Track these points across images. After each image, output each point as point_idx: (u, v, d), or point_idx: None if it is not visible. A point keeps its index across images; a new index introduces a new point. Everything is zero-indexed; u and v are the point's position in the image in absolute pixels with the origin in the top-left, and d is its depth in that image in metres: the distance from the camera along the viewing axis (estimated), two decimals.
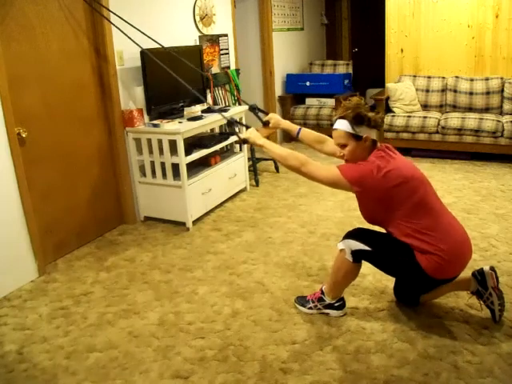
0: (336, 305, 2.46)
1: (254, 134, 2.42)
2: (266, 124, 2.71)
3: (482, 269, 2.32)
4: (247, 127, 2.59)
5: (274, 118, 2.70)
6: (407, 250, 2.17)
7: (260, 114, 2.83)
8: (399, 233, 2.18)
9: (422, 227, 2.13)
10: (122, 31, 3.41)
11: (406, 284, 2.48)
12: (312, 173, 2.22)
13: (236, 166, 4.34)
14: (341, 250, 2.31)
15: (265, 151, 2.38)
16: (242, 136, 2.49)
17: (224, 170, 4.15)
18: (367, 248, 2.23)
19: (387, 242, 2.25)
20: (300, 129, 2.64)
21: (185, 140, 3.62)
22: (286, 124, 2.70)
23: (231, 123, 2.68)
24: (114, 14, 3.41)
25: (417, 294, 2.48)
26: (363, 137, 2.17)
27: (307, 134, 2.63)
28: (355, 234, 2.30)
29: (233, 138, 4.27)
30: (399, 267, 2.26)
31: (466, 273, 2.38)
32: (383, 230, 2.35)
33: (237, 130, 2.64)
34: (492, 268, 2.32)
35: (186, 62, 3.49)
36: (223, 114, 2.99)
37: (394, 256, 2.23)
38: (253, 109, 2.82)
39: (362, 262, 2.31)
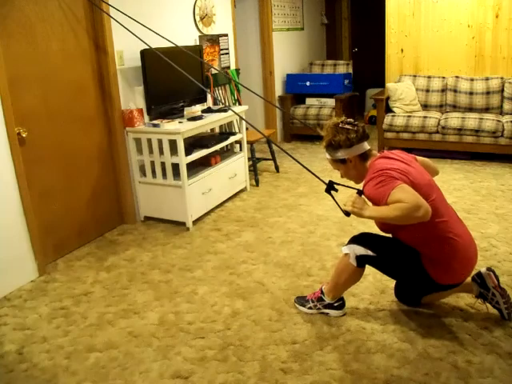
0: (336, 305, 2.46)
1: (358, 206, 2.05)
2: (347, 215, 2.16)
3: (480, 271, 2.33)
4: (352, 188, 2.22)
5: (360, 203, 2.10)
6: (413, 256, 2.17)
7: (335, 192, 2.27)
8: (410, 240, 2.17)
9: (433, 235, 2.11)
10: (125, 27, 3.41)
11: (410, 287, 2.48)
12: (417, 206, 1.91)
13: (236, 166, 4.34)
14: (345, 254, 2.30)
15: (377, 220, 2.10)
16: (344, 207, 2.11)
17: (224, 169, 4.15)
18: (372, 254, 2.23)
19: (392, 248, 2.25)
20: None
21: (185, 140, 3.62)
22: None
23: (330, 188, 2.21)
24: (117, 9, 3.41)
25: (418, 295, 2.48)
26: (346, 159, 2.21)
27: None
28: (360, 239, 2.29)
29: (233, 138, 4.27)
30: (404, 272, 2.26)
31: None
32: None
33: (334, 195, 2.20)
34: (489, 268, 2.32)
35: (193, 55, 3.48)
36: (319, 177, 2.44)
37: (400, 262, 2.22)
38: (331, 188, 2.25)
39: (365, 266, 2.31)
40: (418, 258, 2.16)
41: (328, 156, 2.28)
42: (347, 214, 2.13)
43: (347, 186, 2.29)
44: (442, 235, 2.11)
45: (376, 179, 2.07)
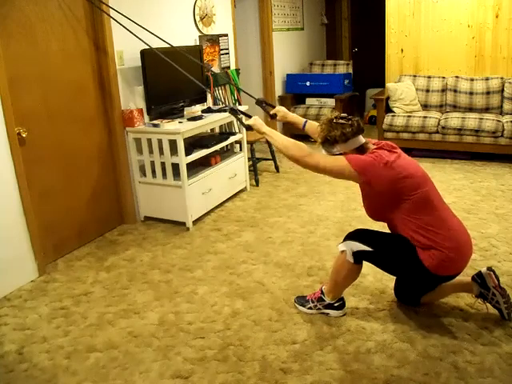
0: (336, 305, 2.46)
1: (258, 122, 2.47)
2: (273, 117, 2.75)
3: (480, 271, 2.33)
4: (249, 116, 2.59)
5: (282, 110, 2.73)
6: (409, 248, 2.18)
7: (267, 107, 2.85)
8: (403, 228, 2.19)
9: (426, 224, 2.14)
10: (125, 27, 3.41)
11: (408, 283, 2.48)
12: (318, 163, 2.19)
13: (236, 166, 4.34)
14: (342, 252, 2.31)
15: (268, 139, 2.41)
16: (246, 123, 2.50)
17: (224, 169, 4.15)
18: (368, 249, 2.23)
19: (388, 241, 2.26)
20: (306, 121, 2.68)
21: (185, 140, 3.62)
22: (293, 117, 2.73)
23: (234, 111, 2.67)
24: (117, 11, 3.41)
25: (418, 293, 2.48)
26: (343, 153, 2.23)
27: (313, 126, 2.63)
28: (356, 235, 2.30)
29: (233, 138, 4.27)
30: (401, 266, 2.26)
31: (467, 273, 2.38)
32: (384, 229, 2.35)
33: (240, 117, 2.70)
34: (489, 268, 2.32)
35: (191, 57, 3.49)
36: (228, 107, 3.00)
37: (396, 255, 2.23)
38: (260, 102, 2.82)
39: (363, 262, 2.32)
40: (413, 250, 2.17)
41: (324, 152, 2.29)
42: (248, 127, 2.50)
43: (247, 114, 2.62)
44: (435, 226, 2.13)
45: (363, 156, 2.16)
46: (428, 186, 2.18)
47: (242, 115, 2.69)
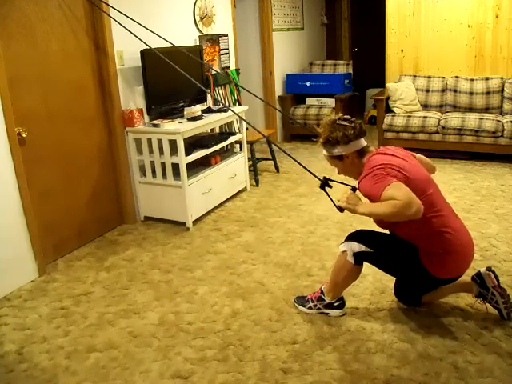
0: (335, 304, 2.46)
1: (352, 201, 2.10)
2: (340, 210, 2.20)
3: (480, 271, 2.33)
4: (346, 185, 2.24)
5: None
6: (411, 250, 2.17)
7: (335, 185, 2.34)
8: (409, 234, 2.18)
9: (431, 227, 2.12)
10: (124, 27, 3.41)
11: (408, 284, 2.48)
12: (410, 202, 1.93)
13: (236, 166, 4.34)
14: (342, 252, 2.31)
15: (369, 216, 2.12)
16: (338, 204, 2.16)
17: (224, 169, 4.15)
18: (369, 250, 2.23)
19: (389, 243, 2.25)
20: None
21: (185, 140, 3.62)
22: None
23: (324, 184, 2.24)
24: (117, 10, 3.41)
25: (418, 294, 2.48)
26: (343, 155, 2.21)
27: None
28: (357, 236, 2.29)
29: (233, 138, 4.27)
30: (402, 267, 2.26)
31: (467, 273, 2.38)
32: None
33: (329, 191, 2.20)
34: (489, 268, 2.32)
35: (192, 56, 3.48)
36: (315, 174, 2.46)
37: (397, 257, 2.23)
38: (324, 185, 2.29)
39: (363, 263, 2.32)
40: (415, 253, 2.17)
41: (325, 153, 2.28)
42: (341, 209, 2.18)
43: (341, 183, 2.33)
44: (439, 229, 2.12)
45: (371, 175, 2.09)
46: (432, 188, 2.17)
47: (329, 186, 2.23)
